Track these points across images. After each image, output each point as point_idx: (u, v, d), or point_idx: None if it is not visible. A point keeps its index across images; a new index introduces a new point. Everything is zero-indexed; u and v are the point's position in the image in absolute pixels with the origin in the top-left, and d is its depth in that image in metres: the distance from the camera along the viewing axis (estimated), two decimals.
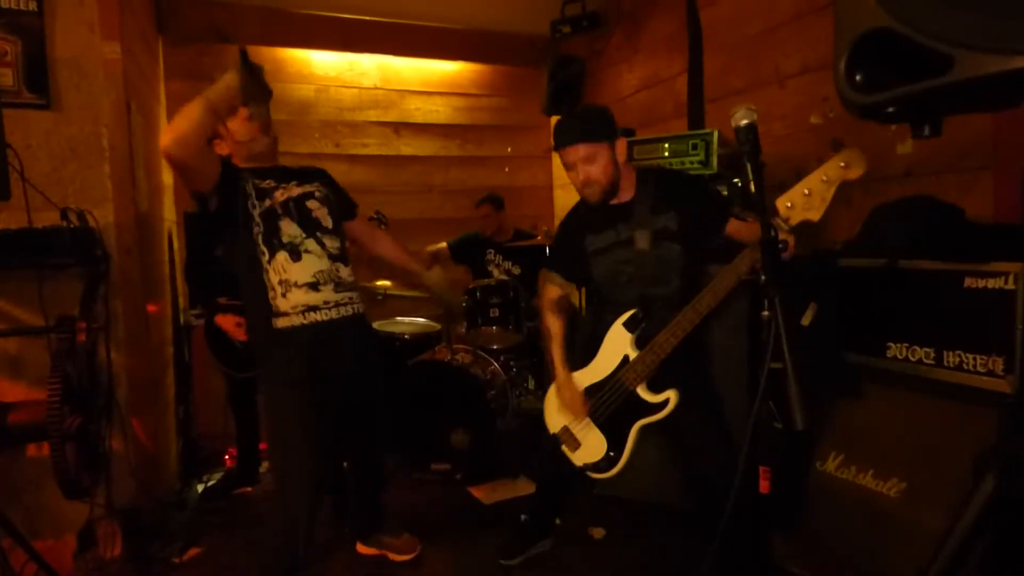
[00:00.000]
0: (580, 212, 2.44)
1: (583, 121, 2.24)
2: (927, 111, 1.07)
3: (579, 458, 2.39)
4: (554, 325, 2.48)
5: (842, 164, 1.68)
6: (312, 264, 2.26)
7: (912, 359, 2.09)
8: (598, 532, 2.88)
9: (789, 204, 1.72)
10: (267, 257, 2.21)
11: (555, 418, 2.47)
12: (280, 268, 2.21)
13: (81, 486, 2.36)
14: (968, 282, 1.95)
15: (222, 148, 2.29)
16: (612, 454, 2.30)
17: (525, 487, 3.34)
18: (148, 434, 2.91)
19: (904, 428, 2.11)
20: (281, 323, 2.21)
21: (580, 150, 2.18)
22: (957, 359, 1.97)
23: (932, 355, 2.04)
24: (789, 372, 1.28)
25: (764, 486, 1.48)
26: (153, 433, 3.00)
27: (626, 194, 2.30)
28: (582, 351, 2.42)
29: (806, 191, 1.71)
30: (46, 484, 2.39)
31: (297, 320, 2.21)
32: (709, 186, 2.44)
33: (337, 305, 2.29)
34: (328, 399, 2.28)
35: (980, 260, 1.91)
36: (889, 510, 2.09)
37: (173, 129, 1.96)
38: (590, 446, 2.35)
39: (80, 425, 2.36)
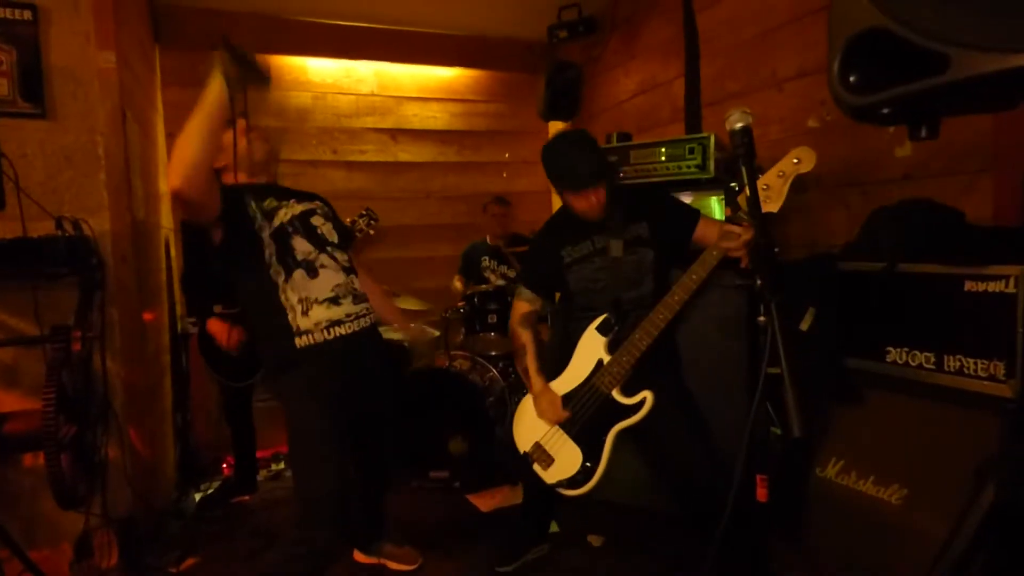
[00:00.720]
0: (555, 226, 2.51)
1: (598, 161, 2.28)
2: (923, 112, 1.06)
3: (552, 475, 2.33)
4: (525, 337, 2.47)
5: (795, 160, 1.88)
6: (330, 279, 2.23)
7: (912, 364, 2.07)
8: (596, 539, 2.86)
9: None
10: (283, 277, 2.16)
11: (525, 436, 2.42)
12: (299, 286, 2.17)
13: (77, 496, 2.34)
14: (968, 285, 1.93)
15: (217, 162, 2.13)
16: (588, 464, 2.26)
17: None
18: (145, 443, 2.89)
19: (905, 433, 2.09)
20: (303, 342, 2.16)
21: (600, 188, 2.25)
22: (958, 363, 1.95)
23: (932, 360, 2.02)
24: (786, 378, 1.27)
25: (761, 494, 1.46)
26: (150, 442, 2.98)
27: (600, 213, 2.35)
28: (553, 362, 2.41)
29: (764, 186, 1.90)
30: (42, 493, 2.38)
31: (320, 336, 2.17)
32: (675, 197, 2.53)
33: (358, 317, 2.28)
34: (347, 409, 2.24)
35: (980, 263, 1.89)
36: (890, 517, 2.07)
37: (182, 161, 1.84)
38: (564, 460, 2.31)
39: (75, 434, 2.35)
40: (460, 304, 3.95)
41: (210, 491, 3.54)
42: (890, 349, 2.14)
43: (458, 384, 3.56)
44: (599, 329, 2.28)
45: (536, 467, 2.37)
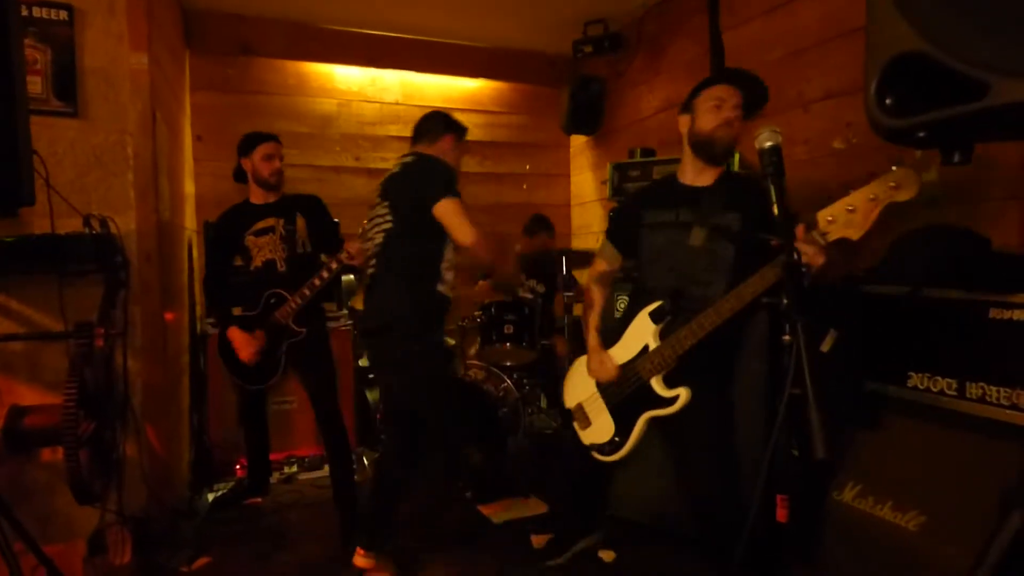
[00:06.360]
0: (650, 187, 2.59)
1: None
2: (958, 137, 1.05)
3: (587, 437, 2.43)
4: (596, 294, 2.53)
5: (892, 184, 1.61)
6: None
7: (934, 389, 2.05)
8: (608, 555, 2.84)
9: (830, 218, 1.67)
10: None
11: (572, 393, 2.51)
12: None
13: (93, 492, 2.35)
14: (993, 313, 1.91)
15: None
16: (617, 439, 2.31)
17: (536, 507, 3.31)
18: (161, 442, 2.91)
19: (924, 460, 2.06)
20: (442, 289, 2.61)
21: (738, 95, 2.17)
22: (980, 391, 1.93)
23: (954, 386, 2.00)
24: (811, 399, 1.26)
25: (781, 515, 1.45)
26: (166, 440, 3.00)
27: (705, 179, 2.27)
28: (609, 334, 2.42)
29: (850, 207, 1.65)
30: (59, 489, 2.40)
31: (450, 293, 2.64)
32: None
33: None
34: None
35: (1006, 291, 1.88)
36: (907, 543, 2.04)
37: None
38: (599, 427, 2.38)
39: (94, 430, 2.36)
40: (477, 313, 3.95)
41: (223, 492, 3.56)
42: (912, 374, 2.12)
43: (472, 393, 3.56)
44: (652, 315, 2.25)
45: (575, 424, 2.46)
